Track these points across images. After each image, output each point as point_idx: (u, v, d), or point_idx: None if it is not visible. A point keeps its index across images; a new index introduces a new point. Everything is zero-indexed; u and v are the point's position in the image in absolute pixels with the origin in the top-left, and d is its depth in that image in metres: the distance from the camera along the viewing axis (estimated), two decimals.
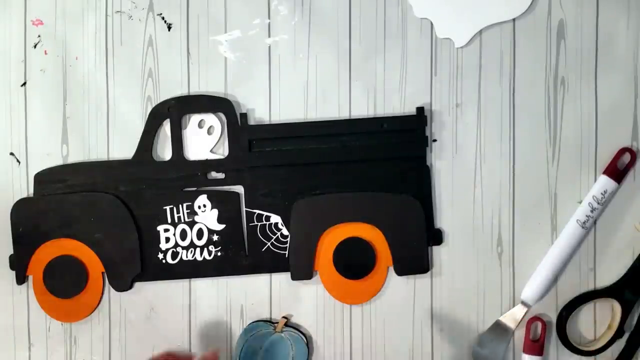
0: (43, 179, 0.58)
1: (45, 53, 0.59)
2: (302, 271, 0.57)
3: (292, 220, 0.57)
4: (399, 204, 0.57)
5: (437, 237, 0.58)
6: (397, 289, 0.58)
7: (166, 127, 0.58)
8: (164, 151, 0.58)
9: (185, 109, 0.58)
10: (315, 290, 0.58)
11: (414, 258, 0.57)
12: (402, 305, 0.58)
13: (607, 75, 0.58)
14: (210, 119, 0.58)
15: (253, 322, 0.57)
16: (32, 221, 0.57)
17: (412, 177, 0.57)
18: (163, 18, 0.58)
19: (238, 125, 0.57)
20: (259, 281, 0.58)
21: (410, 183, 0.57)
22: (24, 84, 0.59)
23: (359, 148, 0.57)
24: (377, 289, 0.57)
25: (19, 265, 0.57)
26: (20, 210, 0.57)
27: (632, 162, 0.58)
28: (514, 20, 0.58)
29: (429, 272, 0.58)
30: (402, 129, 0.57)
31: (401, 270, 0.57)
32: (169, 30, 0.58)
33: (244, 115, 0.57)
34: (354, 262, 0.57)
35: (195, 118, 0.58)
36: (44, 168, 0.58)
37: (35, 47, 0.59)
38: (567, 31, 0.58)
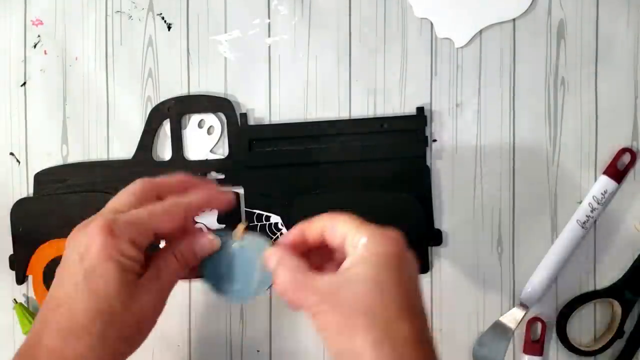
0: (43, 179, 0.58)
1: (45, 53, 0.59)
2: None
3: (292, 219, 0.57)
4: (399, 204, 0.57)
5: (437, 237, 0.57)
6: None
7: (166, 127, 0.58)
8: (164, 151, 0.58)
9: (185, 109, 0.58)
10: None
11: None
12: None
13: (607, 75, 0.58)
14: (210, 119, 0.58)
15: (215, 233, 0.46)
16: (32, 221, 0.57)
17: (412, 177, 0.57)
18: (163, 18, 0.58)
19: (238, 125, 0.57)
20: None
21: (410, 183, 0.57)
22: (24, 84, 0.59)
23: (359, 148, 0.57)
24: None
25: (19, 265, 0.57)
26: (20, 210, 0.57)
27: (632, 162, 0.57)
28: (514, 20, 0.58)
29: (429, 272, 0.58)
30: (402, 129, 0.57)
31: None
32: (169, 30, 0.58)
33: (244, 115, 0.57)
34: None
35: (195, 118, 0.58)
36: (44, 168, 0.58)
37: (35, 47, 0.59)
38: (567, 31, 0.58)
